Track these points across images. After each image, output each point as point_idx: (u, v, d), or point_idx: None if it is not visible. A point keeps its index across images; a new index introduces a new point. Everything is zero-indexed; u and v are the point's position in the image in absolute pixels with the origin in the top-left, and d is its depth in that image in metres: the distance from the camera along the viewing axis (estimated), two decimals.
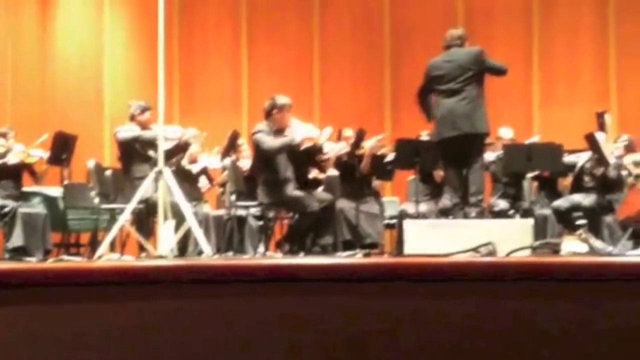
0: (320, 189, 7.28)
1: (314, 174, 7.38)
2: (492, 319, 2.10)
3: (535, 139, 7.93)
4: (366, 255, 3.02)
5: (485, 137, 6.46)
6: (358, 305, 2.12)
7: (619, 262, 2.22)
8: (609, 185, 6.96)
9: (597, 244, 4.87)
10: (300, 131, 6.84)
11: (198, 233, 5.73)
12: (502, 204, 7.41)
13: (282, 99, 6.90)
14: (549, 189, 7.66)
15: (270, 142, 6.71)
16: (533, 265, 2.19)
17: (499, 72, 6.35)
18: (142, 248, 6.48)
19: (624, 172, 7.02)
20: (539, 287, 2.10)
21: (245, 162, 7.57)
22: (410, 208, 7.19)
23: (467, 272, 2.16)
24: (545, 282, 2.10)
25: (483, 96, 6.26)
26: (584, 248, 4.78)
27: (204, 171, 7.79)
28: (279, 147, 6.71)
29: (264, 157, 6.78)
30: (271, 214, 7.37)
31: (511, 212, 7.37)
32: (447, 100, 6.19)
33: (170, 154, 6.61)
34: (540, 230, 6.93)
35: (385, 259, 2.58)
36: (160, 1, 5.75)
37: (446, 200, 6.28)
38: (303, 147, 6.88)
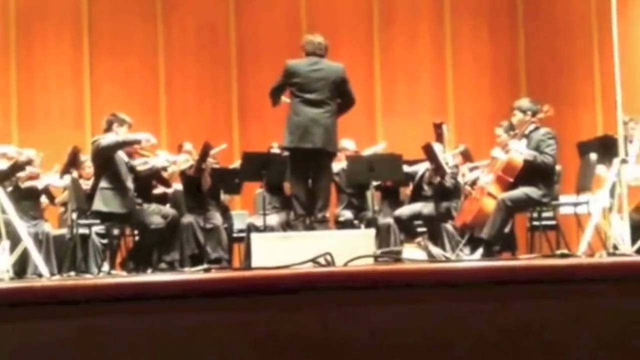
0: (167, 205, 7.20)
1: (159, 189, 7.29)
2: (339, 328, 2.15)
3: (382, 145, 8.16)
4: (206, 270, 3.02)
5: (334, 156, 6.54)
6: (207, 320, 2.11)
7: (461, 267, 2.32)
8: (446, 193, 7.25)
9: (435, 250, 5.07)
10: (138, 135, 6.71)
11: (34, 253, 5.54)
12: (347, 214, 7.58)
13: (122, 115, 6.78)
14: (392, 198, 7.89)
15: (111, 137, 6.55)
16: (378, 274, 2.26)
17: (351, 100, 6.34)
18: None
19: (460, 181, 7.35)
20: (382, 295, 2.16)
21: (90, 181, 7.37)
22: (258, 221, 7.22)
23: (311, 282, 2.20)
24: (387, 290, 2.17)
25: (336, 113, 6.26)
26: (424, 255, 4.97)
27: (46, 190, 7.53)
28: (120, 141, 6.53)
29: (105, 163, 6.57)
30: (116, 231, 7.20)
31: (356, 222, 7.55)
32: (310, 110, 6.13)
33: (5, 175, 6.34)
34: (384, 239, 7.14)
35: (226, 273, 2.59)
36: None
37: (292, 212, 6.33)
38: (143, 168, 6.76)
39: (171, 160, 7.25)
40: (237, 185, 7.71)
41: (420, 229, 7.35)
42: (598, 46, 9.40)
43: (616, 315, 2.17)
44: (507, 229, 6.56)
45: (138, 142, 6.67)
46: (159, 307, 2.11)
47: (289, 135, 6.20)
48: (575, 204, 6.84)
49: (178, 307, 2.09)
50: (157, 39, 10.01)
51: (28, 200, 7.30)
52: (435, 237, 6.97)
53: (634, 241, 5.05)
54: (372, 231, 6.12)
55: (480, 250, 6.25)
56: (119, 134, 6.66)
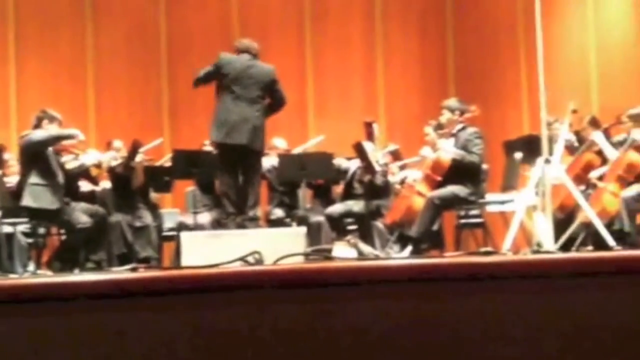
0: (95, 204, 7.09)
1: (86, 187, 7.17)
2: (267, 327, 2.15)
3: (319, 138, 8.16)
4: (133, 270, 2.99)
5: (259, 154, 6.52)
6: (134, 320, 2.09)
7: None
8: (376, 191, 7.33)
9: (365, 248, 5.11)
10: (69, 131, 6.60)
11: None
12: (279, 213, 7.59)
13: (52, 112, 6.65)
14: (323, 196, 7.93)
15: (41, 133, 6.41)
16: (307, 272, 2.27)
17: (281, 101, 6.33)
18: None
19: (390, 179, 7.43)
20: (312, 293, 2.18)
21: (14, 179, 7.19)
22: (188, 219, 7.17)
23: (235, 281, 2.20)
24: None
25: (264, 113, 6.25)
26: (354, 253, 5.00)
27: None
28: (49, 137, 6.40)
29: (34, 158, 6.43)
30: (42, 230, 7.05)
31: (287, 220, 7.57)
32: (240, 107, 6.09)
33: None
34: (314, 237, 7.17)
35: (153, 272, 2.58)
36: None
37: (222, 211, 6.30)
38: (71, 167, 6.65)
39: (100, 157, 7.14)
40: (167, 183, 7.64)
41: (350, 227, 7.41)
42: (525, 48, 9.61)
43: (539, 311, 2.23)
44: (435, 227, 6.67)
45: (71, 137, 6.56)
46: (86, 307, 2.09)
47: (216, 129, 6.16)
48: (501, 202, 6.99)
49: (104, 307, 2.07)
50: (86, 37, 9.83)
51: None
52: (366, 235, 7.04)
53: (557, 239, 5.19)
54: (303, 229, 6.15)
55: (409, 248, 6.34)
56: (49, 130, 6.53)
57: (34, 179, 6.41)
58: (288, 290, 2.18)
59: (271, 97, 6.29)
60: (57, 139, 6.48)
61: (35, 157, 6.44)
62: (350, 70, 10.24)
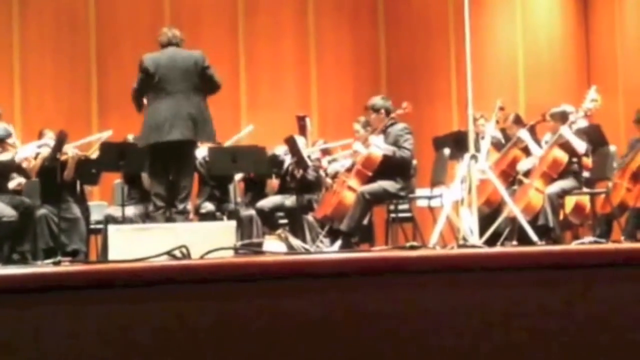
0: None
1: (17, 181, 7.00)
2: (194, 321, 2.14)
3: (249, 128, 8.11)
4: (57, 263, 2.93)
5: (194, 145, 6.40)
6: (57, 314, 2.05)
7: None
8: (308, 185, 7.35)
9: (295, 242, 5.13)
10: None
11: None
12: (209, 206, 7.53)
13: None
14: (256, 190, 7.90)
15: None
16: (235, 266, 2.26)
17: (215, 85, 6.13)
18: None
19: (321, 173, 7.46)
20: (240, 287, 2.17)
21: None
22: (116, 212, 7.07)
23: (161, 276, 2.18)
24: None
25: (205, 101, 6.12)
26: (284, 247, 5.02)
27: None
28: None
29: None
30: None
31: (218, 214, 7.52)
32: (170, 102, 5.93)
33: None
34: (245, 231, 7.15)
35: (76, 266, 2.54)
36: None
37: (152, 205, 6.21)
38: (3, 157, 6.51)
39: (37, 151, 7.00)
40: (94, 176, 7.51)
41: (282, 221, 7.41)
42: (455, 44, 9.77)
43: (464, 305, 2.26)
44: (365, 221, 6.73)
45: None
46: (6, 301, 2.04)
47: (149, 132, 5.98)
48: (430, 197, 7.09)
49: (26, 301, 2.03)
50: (12, 26, 9.58)
51: None
52: (297, 229, 7.05)
53: (482, 233, 5.29)
54: (233, 223, 6.11)
55: (339, 242, 6.39)
56: None
57: None
58: (214, 284, 2.17)
59: (206, 84, 6.12)
60: None
61: None
62: (283, 64, 10.22)
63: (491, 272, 2.29)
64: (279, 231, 5.47)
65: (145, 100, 6.13)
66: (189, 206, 6.36)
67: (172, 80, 5.99)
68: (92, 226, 7.42)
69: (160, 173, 6.12)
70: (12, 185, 7.00)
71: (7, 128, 6.54)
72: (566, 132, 6.63)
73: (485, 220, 5.87)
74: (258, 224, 7.34)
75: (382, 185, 6.44)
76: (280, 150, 7.61)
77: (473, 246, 4.71)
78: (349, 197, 6.47)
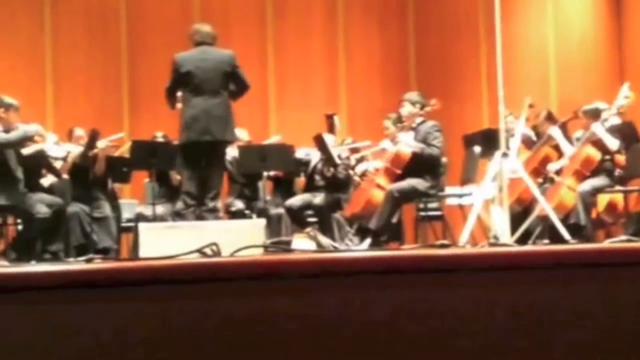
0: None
1: (48, 180, 7.08)
2: (225, 318, 2.14)
3: (275, 138, 8.17)
4: (89, 261, 2.96)
5: (231, 144, 6.48)
6: (90, 312, 2.07)
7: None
8: (337, 184, 7.34)
9: (324, 240, 5.12)
10: (31, 126, 6.50)
11: None
12: (239, 204, 7.57)
13: (8, 99, 6.54)
14: (284, 188, 7.92)
15: (3, 135, 6.31)
16: (265, 264, 2.26)
17: (244, 86, 6.22)
18: None
19: (350, 172, 7.45)
20: (270, 285, 2.17)
21: None
22: (147, 210, 7.12)
23: (191, 273, 2.19)
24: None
25: (230, 101, 6.18)
26: (313, 245, 5.01)
27: None
28: (16, 138, 6.30)
29: None
30: None
31: (247, 212, 7.55)
32: (202, 101, 6.00)
33: None
34: (274, 229, 7.17)
35: (108, 263, 2.56)
36: None
37: (182, 203, 6.25)
38: (27, 152, 6.56)
39: (68, 150, 7.07)
40: (126, 174, 7.58)
41: (310, 219, 7.42)
42: (485, 42, 9.70)
43: (495, 304, 2.25)
44: (394, 220, 6.71)
45: (28, 139, 6.44)
46: (40, 298, 2.06)
47: (185, 130, 6.06)
48: (460, 196, 7.05)
49: (59, 298, 2.04)
50: (44, 23, 9.69)
51: None
52: (325, 227, 7.05)
53: (514, 232, 5.25)
54: (262, 221, 6.13)
55: (368, 240, 6.37)
56: (4, 120, 6.42)
57: None
58: (245, 282, 2.17)
59: (235, 85, 6.20)
60: (14, 145, 6.35)
61: None
62: (311, 62, 10.23)
63: (523, 271, 2.27)
64: (308, 229, 5.46)
65: (180, 105, 6.20)
66: (219, 204, 6.39)
67: (204, 80, 6.05)
68: (123, 224, 7.49)
69: (191, 171, 6.17)
70: (45, 183, 7.08)
71: (39, 129, 6.60)
72: (598, 129, 6.56)
73: (517, 219, 5.82)
74: (287, 222, 7.36)
75: (411, 183, 6.41)
76: (301, 152, 7.61)
77: (504, 245, 4.68)
78: (378, 196, 6.45)
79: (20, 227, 6.97)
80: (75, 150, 7.17)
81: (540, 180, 6.98)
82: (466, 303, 2.23)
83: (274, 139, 8.16)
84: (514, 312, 2.23)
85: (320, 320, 2.18)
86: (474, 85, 9.96)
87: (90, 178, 7.07)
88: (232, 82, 6.19)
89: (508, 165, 5.15)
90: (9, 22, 9.58)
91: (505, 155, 5.08)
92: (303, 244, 4.72)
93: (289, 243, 4.69)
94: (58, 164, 7.12)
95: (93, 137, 7.08)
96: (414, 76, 10.32)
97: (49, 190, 7.11)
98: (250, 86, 6.31)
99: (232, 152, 7.47)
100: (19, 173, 6.42)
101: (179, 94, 6.23)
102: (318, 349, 2.17)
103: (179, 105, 6.24)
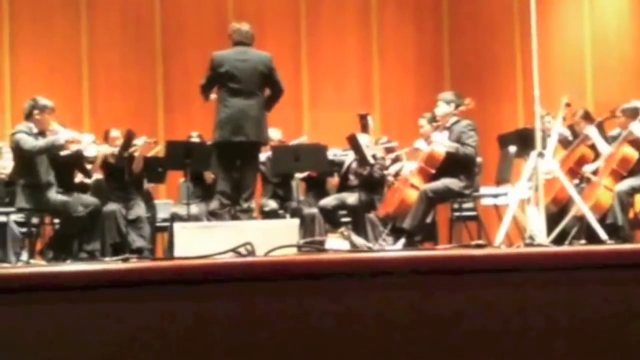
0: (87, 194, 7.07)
1: (79, 178, 7.16)
2: (258, 318, 2.15)
3: (303, 139, 8.18)
4: (125, 260, 2.99)
5: (264, 146, 6.51)
6: (126, 311, 2.09)
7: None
8: (371, 184, 7.33)
9: (358, 240, 5.12)
10: (64, 133, 6.57)
11: None
12: (272, 204, 7.58)
13: (43, 100, 6.62)
14: (317, 188, 7.93)
15: (32, 142, 6.40)
16: (299, 263, 2.27)
17: (280, 89, 6.24)
18: None
19: (385, 172, 7.43)
20: (304, 285, 2.17)
21: (7, 165, 7.19)
22: (181, 210, 7.16)
23: (226, 272, 2.20)
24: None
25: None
26: (347, 245, 5.01)
27: None
28: (42, 147, 6.40)
29: (24, 160, 6.45)
30: (35, 220, 7.04)
31: (281, 212, 7.56)
32: (238, 101, 6.03)
33: None
34: (308, 229, 7.17)
35: (144, 263, 2.59)
36: None
37: (217, 202, 6.28)
38: (64, 153, 6.64)
39: (99, 150, 7.14)
40: (161, 174, 7.64)
41: (344, 219, 7.41)
42: (520, 41, 9.62)
43: (530, 305, 2.23)
44: (428, 220, 6.68)
45: (56, 148, 6.49)
46: (77, 297, 2.09)
47: (219, 129, 6.08)
48: (495, 196, 6.99)
49: (95, 297, 2.07)
50: (80, 26, 9.80)
51: None
52: (359, 227, 7.04)
53: (550, 232, 5.20)
54: (296, 221, 6.14)
55: (402, 241, 6.35)
56: (39, 122, 6.50)
57: (25, 180, 6.41)
58: (279, 282, 2.18)
59: (270, 87, 6.23)
60: (45, 151, 6.43)
61: (24, 160, 6.42)
62: (345, 62, 10.22)
63: (559, 272, 2.25)
64: (342, 229, 5.46)
65: (214, 95, 6.21)
66: (253, 205, 6.41)
67: (242, 80, 6.07)
68: (158, 224, 7.55)
69: (226, 171, 6.20)
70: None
71: (70, 137, 6.65)
72: (636, 128, 6.47)
73: (553, 219, 5.76)
74: (320, 222, 7.36)
75: (445, 183, 6.37)
76: (330, 153, 7.60)
77: (540, 245, 4.64)
78: (412, 195, 6.43)
79: (57, 226, 7.06)
80: (106, 150, 7.22)
81: (576, 180, 6.90)
82: (501, 303, 2.22)
83: (302, 139, 8.15)
84: (549, 312, 2.21)
85: (354, 320, 2.17)
86: (509, 84, 9.88)
87: (125, 178, 7.13)
88: (267, 85, 6.20)
89: (544, 165, 5.09)
90: (47, 26, 9.70)
91: (541, 155, 5.02)
92: (337, 244, 4.72)
93: (322, 243, 4.69)
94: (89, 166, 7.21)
95: (129, 138, 7.15)
96: (448, 75, 10.27)
97: (85, 187, 7.19)
98: (284, 90, 6.32)
99: (265, 152, 7.51)
100: (51, 177, 6.48)
101: (214, 95, 6.25)
102: (352, 348, 2.17)
103: (212, 96, 6.24)
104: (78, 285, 2.09)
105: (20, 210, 6.58)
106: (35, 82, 9.41)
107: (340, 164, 7.63)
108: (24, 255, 6.83)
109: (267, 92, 6.27)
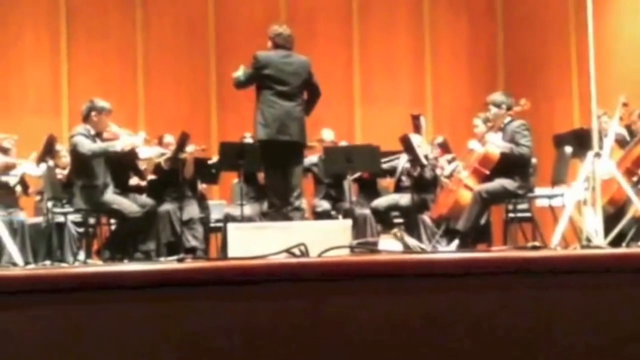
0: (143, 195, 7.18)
1: (134, 181, 7.27)
2: (301, 318, 2.16)
3: (343, 143, 8.13)
4: (180, 260, 3.02)
5: (304, 147, 6.54)
6: (182, 310, 2.11)
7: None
8: (424, 184, 7.28)
9: (411, 241, 5.09)
10: (123, 139, 6.67)
11: (8, 242, 5.53)
12: (325, 205, 7.60)
13: (101, 102, 6.73)
14: (369, 189, 7.91)
15: (89, 145, 6.52)
16: (353, 264, 2.27)
17: (318, 93, 6.29)
18: None
19: (438, 172, 7.38)
20: (357, 285, 2.18)
21: (65, 170, 7.35)
22: (235, 211, 7.22)
23: (281, 273, 2.21)
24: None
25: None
26: (400, 246, 4.99)
27: (21, 179, 7.48)
28: (97, 151, 6.51)
29: (81, 161, 6.57)
30: (92, 220, 7.17)
31: (333, 212, 7.57)
32: (284, 103, 6.08)
33: None
34: (360, 229, 7.17)
35: (199, 263, 2.62)
36: None
37: (269, 203, 6.32)
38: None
39: (151, 154, 7.25)
40: (214, 175, 7.71)
41: (397, 220, 7.38)
42: (575, 40, 9.47)
43: (588, 307, 2.20)
44: (482, 221, 6.61)
45: (111, 154, 6.59)
46: (134, 296, 2.12)
47: (264, 128, 6.12)
48: (550, 197, 6.89)
49: (152, 297, 2.10)
50: (135, 28, 9.95)
51: (2, 189, 7.26)
52: (412, 228, 7.00)
53: (607, 234, 5.10)
54: (348, 222, 6.14)
55: (456, 242, 6.30)
56: (96, 123, 6.61)
57: (81, 181, 6.52)
58: (333, 282, 2.18)
59: (308, 90, 6.27)
60: (101, 155, 6.53)
61: (82, 162, 6.53)
62: (397, 61, 10.19)
63: (616, 274, 2.21)
64: (395, 230, 5.44)
65: (257, 94, 6.25)
66: (304, 204, 6.43)
67: (282, 82, 6.11)
68: (212, 225, 7.61)
69: (275, 169, 6.24)
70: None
71: (128, 144, 6.74)
72: None
73: (610, 220, 5.65)
74: (372, 222, 7.34)
75: (500, 183, 6.30)
76: (386, 158, 7.56)
77: (597, 247, 4.56)
78: (466, 196, 6.37)
79: (113, 227, 7.17)
80: (159, 151, 7.32)
81: (634, 179, 6.76)
82: (558, 305, 2.19)
83: (342, 144, 8.11)
84: (608, 314, 2.18)
85: (407, 320, 2.17)
86: (564, 83, 9.73)
87: (180, 179, 7.22)
88: (307, 89, 6.24)
89: (601, 166, 5.00)
90: (102, 28, 9.87)
91: (598, 155, 4.94)
92: (390, 245, 4.70)
93: (375, 244, 4.69)
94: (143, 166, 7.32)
95: (183, 140, 7.24)
96: (502, 73, 10.16)
97: (140, 188, 7.30)
98: (321, 93, 6.34)
99: (316, 155, 7.54)
100: (108, 178, 6.59)
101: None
102: (406, 348, 2.16)
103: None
104: (136, 285, 2.12)
105: (77, 210, 6.71)
106: (92, 83, 9.58)
107: (392, 171, 7.58)
108: (81, 255, 6.96)
109: (303, 97, 6.31)
